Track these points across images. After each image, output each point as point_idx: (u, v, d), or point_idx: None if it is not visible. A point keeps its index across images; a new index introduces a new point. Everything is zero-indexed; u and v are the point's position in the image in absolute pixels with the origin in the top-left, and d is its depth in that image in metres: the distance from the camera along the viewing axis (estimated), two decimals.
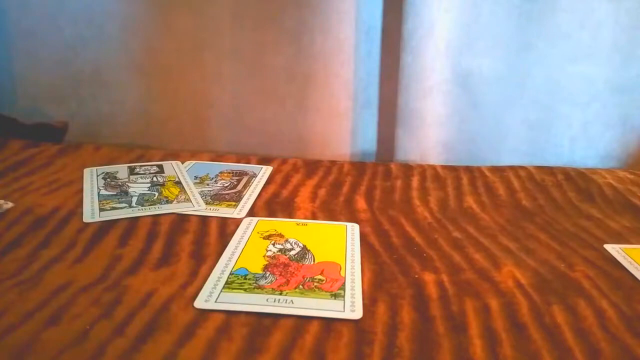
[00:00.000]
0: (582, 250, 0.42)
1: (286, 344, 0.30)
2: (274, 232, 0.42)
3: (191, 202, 0.48)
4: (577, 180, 0.57)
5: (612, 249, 0.42)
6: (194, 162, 0.58)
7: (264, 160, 0.60)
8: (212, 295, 0.34)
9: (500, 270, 0.39)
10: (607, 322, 0.33)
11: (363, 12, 0.61)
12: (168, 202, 0.48)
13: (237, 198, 0.49)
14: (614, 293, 0.36)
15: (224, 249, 0.40)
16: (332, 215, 0.47)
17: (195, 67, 0.65)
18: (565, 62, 0.62)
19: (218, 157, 0.61)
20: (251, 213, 0.47)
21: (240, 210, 0.47)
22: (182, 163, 0.58)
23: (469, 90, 0.63)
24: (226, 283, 0.35)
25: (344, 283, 0.35)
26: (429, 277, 0.37)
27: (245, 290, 0.34)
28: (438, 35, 0.59)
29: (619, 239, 0.44)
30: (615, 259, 0.41)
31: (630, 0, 0.59)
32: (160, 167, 0.56)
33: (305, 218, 0.46)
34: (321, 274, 0.37)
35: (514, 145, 0.65)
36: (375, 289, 0.35)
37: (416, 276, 0.37)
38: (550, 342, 0.31)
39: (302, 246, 0.40)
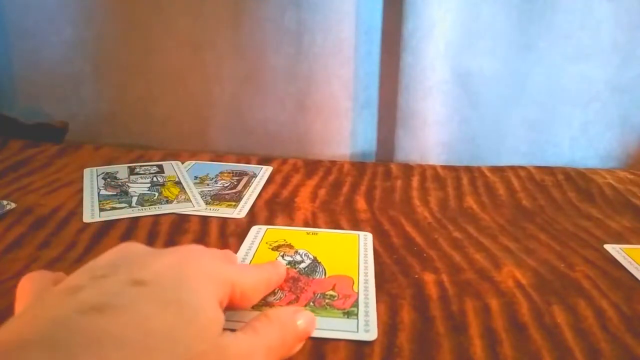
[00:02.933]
0: (582, 250, 0.42)
1: None
2: (283, 243, 0.41)
3: (191, 202, 0.48)
4: (577, 180, 0.57)
5: (612, 249, 0.42)
6: (194, 162, 0.58)
7: (264, 160, 0.60)
8: None
9: (501, 270, 0.39)
10: (607, 322, 0.33)
11: (363, 12, 0.61)
12: (168, 202, 0.48)
13: (237, 198, 0.50)
14: (614, 293, 0.36)
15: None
16: (332, 216, 0.47)
17: (195, 67, 0.65)
18: (565, 62, 0.62)
19: (218, 157, 0.61)
20: (251, 213, 0.47)
21: (241, 210, 0.47)
22: (182, 163, 0.58)
23: (469, 90, 0.63)
24: None
25: (357, 299, 0.34)
26: (429, 277, 0.37)
27: (253, 307, 0.32)
28: (438, 35, 0.59)
29: (619, 239, 0.44)
30: (615, 259, 0.41)
31: (630, 0, 0.59)
32: (160, 167, 0.56)
33: (306, 218, 0.46)
34: (333, 289, 0.35)
35: (514, 145, 0.65)
36: (376, 289, 0.35)
37: (416, 276, 0.37)
38: (550, 342, 0.31)
39: (312, 258, 0.39)
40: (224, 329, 0.25)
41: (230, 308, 0.29)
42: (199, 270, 0.26)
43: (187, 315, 0.23)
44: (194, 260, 0.27)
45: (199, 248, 0.30)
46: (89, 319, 0.21)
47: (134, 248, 0.29)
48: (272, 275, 0.33)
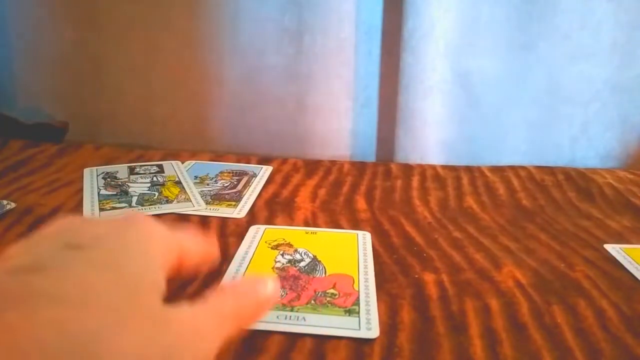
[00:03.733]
0: (582, 250, 0.42)
1: (286, 344, 0.30)
2: (282, 242, 0.41)
3: (191, 202, 0.48)
4: (577, 180, 0.57)
5: (612, 249, 0.42)
6: (194, 162, 0.58)
7: (264, 160, 0.60)
8: None
9: (501, 270, 0.39)
10: (607, 322, 0.33)
11: (363, 12, 0.61)
12: (168, 202, 0.48)
13: (237, 198, 0.50)
14: (614, 293, 0.36)
15: (224, 249, 0.40)
16: (332, 215, 0.47)
17: (195, 67, 0.65)
18: (565, 62, 0.62)
19: (218, 157, 0.61)
20: (251, 213, 0.47)
21: (240, 210, 0.47)
22: (182, 163, 0.58)
23: (469, 90, 0.63)
24: None
25: (358, 297, 0.34)
26: (429, 277, 0.37)
27: None
28: (438, 35, 0.59)
29: (619, 239, 0.44)
30: (615, 259, 0.41)
31: (630, 0, 0.59)
32: (160, 167, 0.56)
33: (306, 218, 0.46)
34: (333, 287, 0.35)
35: (514, 145, 0.65)
36: (376, 289, 0.35)
37: (416, 276, 0.37)
38: (550, 342, 0.31)
39: (312, 257, 0.39)
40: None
41: (177, 275, 0.27)
42: (141, 236, 0.25)
43: (128, 279, 0.21)
44: (138, 226, 0.25)
45: (144, 215, 0.28)
46: (17, 277, 0.20)
47: (74, 219, 0.27)
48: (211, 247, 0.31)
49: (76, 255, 0.22)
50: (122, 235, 0.24)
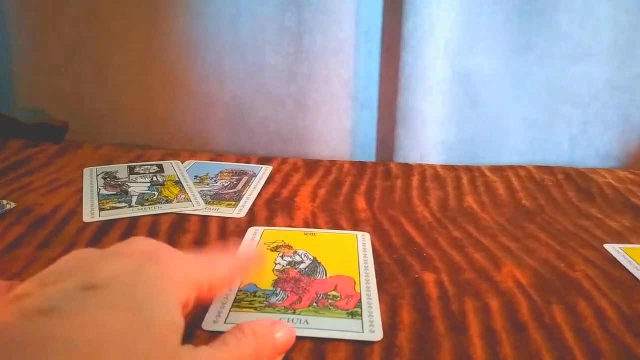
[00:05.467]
0: (582, 250, 0.42)
1: None
2: (281, 244, 0.41)
3: (191, 201, 0.48)
4: (577, 180, 0.57)
5: (612, 249, 0.42)
6: (194, 162, 0.58)
7: (264, 160, 0.60)
8: (220, 316, 0.31)
9: (501, 270, 0.39)
10: (607, 322, 0.33)
11: (363, 12, 0.61)
12: (168, 201, 0.48)
13: (237, 198, 0.50)
14: (614, 293, 0.36)
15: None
16: (332, 215, 0.47)
17: (195, 67, 0.65)
18: (565, 62, 0.62)
19: (218, 157, 0.61)
20: (251, 213, 0.47)
21: (241, 210, 0.47)
22: (182, 163, 0.58)
23: (469, 90, 0.63)
24: (235, 301, 0.33)
25: (360, 300, 0.34)
26: (429, 277, 0.37)
27: (255, 309, 0.32)
28: (438, 35, 0.59)
29: (619, 239, 0.44)
30: (615, 259, 0.41)
31: (630, 0, 0.59)
32: (160, 166, 0.56)
33: (306, 218, 0.46)
34: (335, 289, 0.35)
35: (514, 145, 0.65)
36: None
37: (416, 276, 0.37)
38: (550, 342, 0.31)
39: (312, 259, 0.39)
40: (189, 342, 0.23)
41: (200, 304, 0.27)
42: (158, 273, 0.24)
43: (142, 322, 0.21)
44: (153, 264, 0.25)
45: (160, 249, 0.27)
46: (31, 323, 0.19)
47: (87, 254, 0.26)
48: (246, 262, 0.33)
49: (91, 296, 0.21)
50: (139, 272, 0.24)
